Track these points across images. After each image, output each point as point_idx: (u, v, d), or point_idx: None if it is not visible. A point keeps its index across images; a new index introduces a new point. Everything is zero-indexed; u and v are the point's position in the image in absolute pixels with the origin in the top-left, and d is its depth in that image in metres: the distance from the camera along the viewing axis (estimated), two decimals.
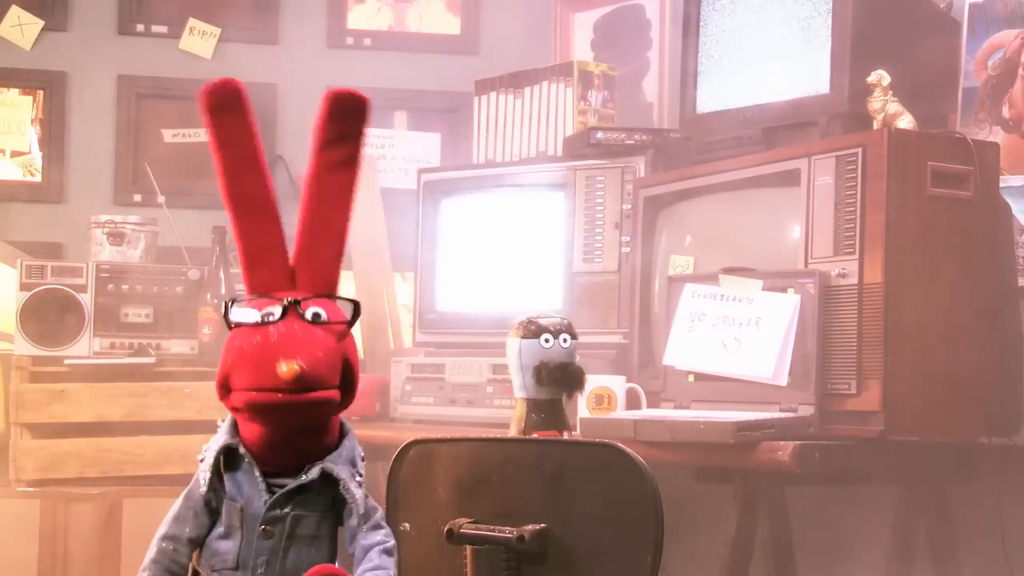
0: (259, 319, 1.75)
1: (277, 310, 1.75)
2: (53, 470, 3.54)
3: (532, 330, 2.26)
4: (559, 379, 2.25)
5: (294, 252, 1.83)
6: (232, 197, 1.80)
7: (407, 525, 1.96)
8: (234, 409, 1.77)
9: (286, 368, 1.68)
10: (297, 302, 1.76)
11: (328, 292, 1.81)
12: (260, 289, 1.79)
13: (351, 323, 1.81)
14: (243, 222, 1.80)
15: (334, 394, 1.75)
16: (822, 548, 2.84)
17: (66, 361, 3.61)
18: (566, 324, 2.29)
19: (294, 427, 1.75)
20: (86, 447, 3.57)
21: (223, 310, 1.78)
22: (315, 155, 1.82)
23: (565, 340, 2.27)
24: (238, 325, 1.77)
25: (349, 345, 1.80)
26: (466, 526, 1.87)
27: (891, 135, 2.43)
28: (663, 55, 3.88)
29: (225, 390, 1.75)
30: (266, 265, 1.80)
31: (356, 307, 1.82)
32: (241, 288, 3.83)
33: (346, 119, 1.82)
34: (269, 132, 4.13)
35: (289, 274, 1.81)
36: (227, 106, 1.79)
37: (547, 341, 2.25)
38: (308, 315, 1.76)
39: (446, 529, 1.88)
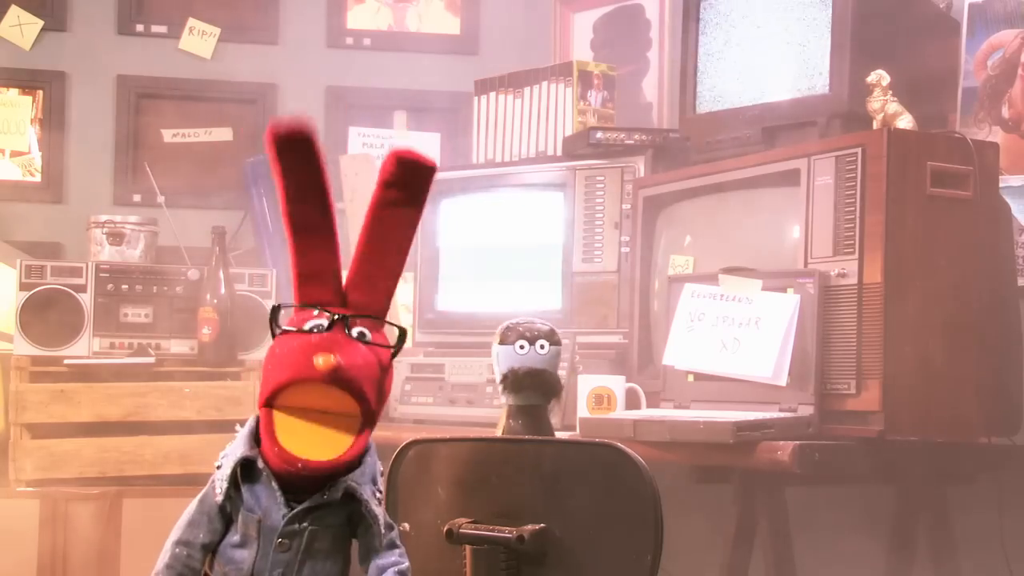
0: (306, 329, 1.74)
1: (324, 323, 1.74)
2: (53, 470, 3.54)
3: (508, 336, 2.26)
4: (527, 386, 2.23)
5: (348, 275, 1.82)
6: (291, 221, 1.78)
7: (407, 525, 1.96)
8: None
9: (322, 360, 1.67)
10: (346, 318, 1.75)
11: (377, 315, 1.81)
12: (310, 307, 1.78)
13: (396, 350, 1.80)
14: (299, 244, 1.78)
15: (360, 446, 1.74)
16: (822, 548, 2.84)
17: (66, 361, 3.61)
18: (546, 331, 2.26)
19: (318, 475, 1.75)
20: (86, 447, 3.57)
21: (269, 316, 1.77)
22: (377, 191, 1.82)
23: (542, 347, 2.25)
24: (284, 332, 1.76)
25: (388, 377, 1.80)
26: (465, 526, 1.87)
27: (891, 135, 2.42)
28: (663, 55, 3.88)
29: (267, 405, 1.75)
30: (318, 285, 1.79)
31: (402, 334, 1.81)
32: (241, 288, 3.82)
33: (409, 181, 1.82)
34: None
35: (341, 296, 1.80)
36: (294, 148, 1.77)
37: (522, 347, 2.24)
38: (354, 333, 1.75)
39: (445, 529, 1.88)
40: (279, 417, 1.71)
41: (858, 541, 2.88)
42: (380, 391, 1.77)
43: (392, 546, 1.80)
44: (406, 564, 1.80)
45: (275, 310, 1.77)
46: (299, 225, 1.79)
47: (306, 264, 1.79)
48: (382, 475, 1.83)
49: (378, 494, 1.80)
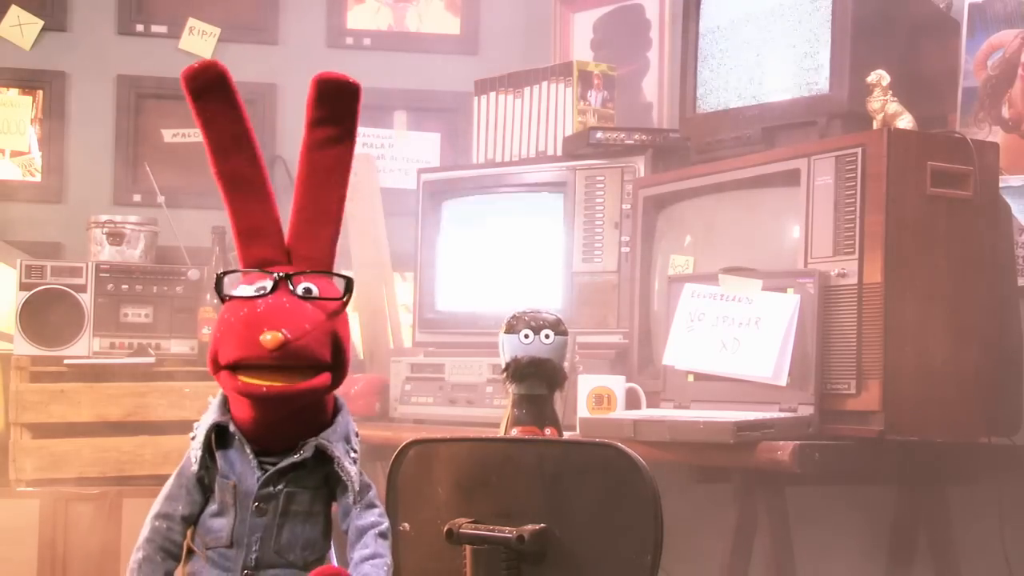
0: (250, 293, 1.75)
1: (268, 284, 1.75)
2: (53, 470, 3.54)
3: (514, 325, 2.25)
4: (530, 374, 2.22)
5: (289, 230, 1.83)
6: (222, 176, 1.80)
7: (407, 525, 1.96)
8: (225, 389, 1.77)
9: (270, 337, 1.68)
10: (288, 276, 1.76)
11: (322, 269, 1.81)
12: (255, 265, 1.79)
13: (344, 300, 1.80)
14: (234, 200, 1.80)
15: (324, 380, 1.74)
16: (822, 548, 2.84)
17: (66, 361, 3.61)
18: (551, 321, 2.26)
19: (284, 412, 1.75)
20: (86, 447, 3.57)
21: (214, 283, 1.79)
22: (306, 133, 1.83)
23: (547, 336, 2.24)
24: (230, 298, 1.77)
25: (340, 322, 1.79)
26: (466, 526, 1.87)
27: (891, 135, 2.43)
28: (663, 55, 3.87)
29: (216, 366, 1.75)
30: (260, 243, 1.80)
31: (348, 283, 1.81)
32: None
33: (335, 103, 1.82)
34: (268, 132, 4.13)
35: (284, 252, 1.81)
36: (210, 89, 1.79)
37: (527, 337, 2.23)
38: (299, 290, 1.76)
39: (446, 529, 1.88)
40: (242, 375, 1.72)
41: (858, 541, 2.88)
42: (335, 342, 1.77)
43: (370, 506, 1.80)
44: (386, 524, 1.79)
45: (219, 278, 1.78)
46: (230, 180, 1.79)
47: (244, 221, 1.80)
48: (357, 436, 1.83)
49: (352, 453, 1.79)
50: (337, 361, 1.77)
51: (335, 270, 1.84)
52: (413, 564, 1.92)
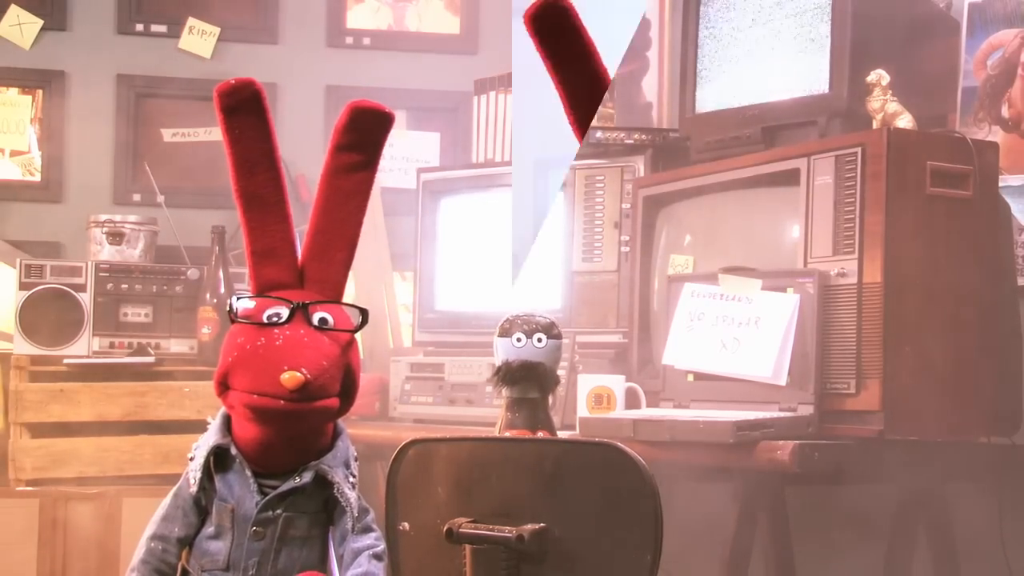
0: (265, 319, 1.74)
1: (284, 312, 1.74)
2: (52, 470, 3.54)
3: (506, 329, 2.25)
4: (520, 378, 2.22)
5: (303, 251, 1.82)
6: (242, 194, 1.78)
7: (406, 525, 1.95)
8: (231, 408, 1.76)
9: (289, 376, 1.67)
10: (305, 306, 1.74)
11: (335, 294, 1.80)
12: (267, 287, 1.78)
13: (357, 330, 1.80)
14: (252, 219, 1.79)
15: (334, 403, 1.75)
16: (822, 548, 2.84)
17: (65, 361, 3.61)
18: (544, 324, 2.25)
19: (291, 432, 1.74)
20: (85, 447, 3.56)
21: (228, 306, 1.77)
22: (330, 157, 1.82)
23: (540, 340, 2.24)
24: (242, 320, 1.75)
25: (352, 353, 1.79)
26: (465, 526, 1.87)
27: (890, 134, 2.42)
28: (663, 55, 3.87)
29: (223, 387, 1.74)
30: (274, 263, 1.79)
31: (364, 315, 1.80)
32: (241, 287, 3.84)
33: (365, 131, 1.82)
34: None
35: (297, 273, 1.80)
36: (243, 107, 1.77)
37: (519, 340, 2.23)
38: (315, 320, 1.74)
39: (445, 529, 1.88)
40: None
41: (858, 541, 2.88)
42: (348, 373, 1.77)
43: (367, 530, 1.80)
44: (381, 547, 1.80)
45: (231, 303, 1.77)
46: (251, 199, 1.78)
47: (260, 241, 1.79)
48: (355, 459, 1.83)
49: (351, 478, 1.80)
50: (346, 389, 1.77)
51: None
52: (413, 564, 1.92)
